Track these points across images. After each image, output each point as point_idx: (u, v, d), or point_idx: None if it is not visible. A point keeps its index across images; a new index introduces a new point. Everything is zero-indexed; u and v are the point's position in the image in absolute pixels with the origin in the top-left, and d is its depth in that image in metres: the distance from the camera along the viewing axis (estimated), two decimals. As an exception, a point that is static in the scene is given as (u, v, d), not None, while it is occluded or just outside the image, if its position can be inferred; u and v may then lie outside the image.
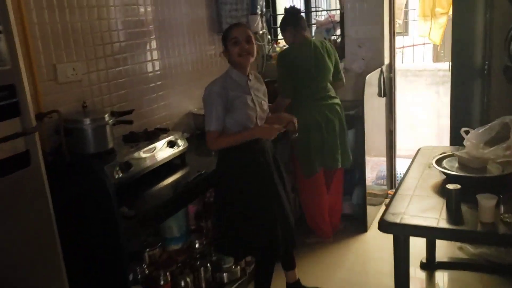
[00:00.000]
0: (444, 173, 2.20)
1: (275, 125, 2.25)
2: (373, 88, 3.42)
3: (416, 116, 4.89)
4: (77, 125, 2.11)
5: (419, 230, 1.89)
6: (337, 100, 3.10)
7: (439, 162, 2.31)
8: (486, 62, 3.05)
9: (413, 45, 5.28)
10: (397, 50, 3.98)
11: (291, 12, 3.05)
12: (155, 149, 2.33)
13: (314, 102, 3.01)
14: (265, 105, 2.30)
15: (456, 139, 2.72)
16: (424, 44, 4.91)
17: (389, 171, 3.98)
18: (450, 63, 3.18)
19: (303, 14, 3.24)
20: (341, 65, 3.25)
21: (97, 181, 1.86)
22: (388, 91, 3.73)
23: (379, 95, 3.52)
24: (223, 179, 2.26)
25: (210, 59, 3.33)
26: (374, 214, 3.59)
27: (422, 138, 4.85)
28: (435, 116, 4.75)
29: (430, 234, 2.07)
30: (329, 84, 3.08)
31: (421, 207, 1.98)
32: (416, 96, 4.87)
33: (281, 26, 3.07)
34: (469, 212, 1.87)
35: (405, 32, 6.09)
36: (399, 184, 2.26)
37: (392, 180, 4.02)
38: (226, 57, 2.22)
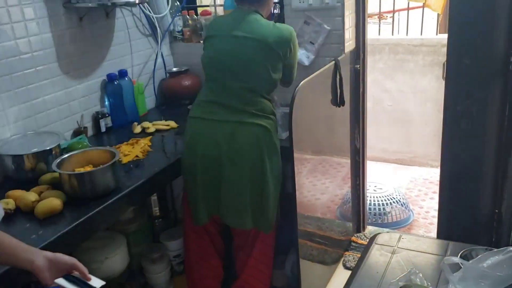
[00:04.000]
0: None
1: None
2: (320, 94, 2.09)
3: (408, 109, 3.54)
4: None
5: None
6: (264, 122, 1.83)
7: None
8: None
9: (407, 8, 3.75)
10: (387, 16, 2.60)
11: None
12: None
13: (213, 112, 1.86)
14: None
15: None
16: (424, 7, 3.46)
17: (356, 203, 2.71)
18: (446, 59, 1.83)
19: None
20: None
21: None
22: (352, 95, 2.38)
23: (334, 103, 2.18)
24: None
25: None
26: (322, 284, 2.34)
27: (415, 138, 3.56)
28: (435, 110, 3.40)
29: None
30: (257, 95, 1.84)
31: None
32: (409, 81, 3.50)
33: None
34: None
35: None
36: None
37: (359, 216, 2.76)
38: None
